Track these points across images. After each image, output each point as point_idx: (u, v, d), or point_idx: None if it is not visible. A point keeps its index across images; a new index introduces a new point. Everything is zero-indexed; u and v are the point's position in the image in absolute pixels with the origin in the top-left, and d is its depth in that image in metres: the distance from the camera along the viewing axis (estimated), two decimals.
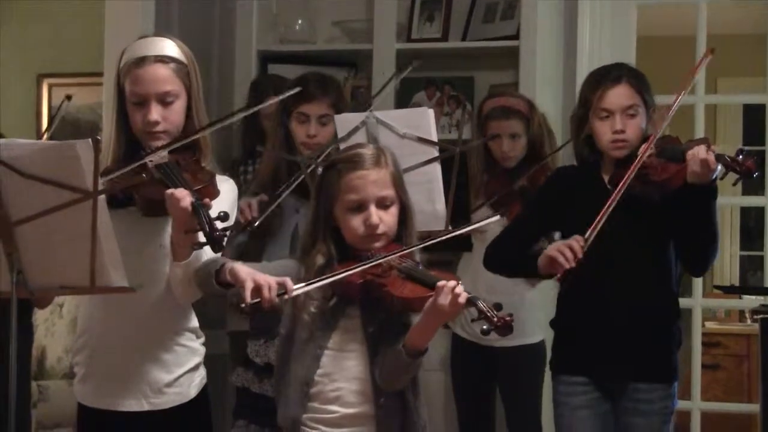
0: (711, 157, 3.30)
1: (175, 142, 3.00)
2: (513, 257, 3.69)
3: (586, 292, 3.51)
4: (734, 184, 3.41)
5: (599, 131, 3.53)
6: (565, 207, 3.60)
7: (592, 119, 3.54)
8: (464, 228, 3.03)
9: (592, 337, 3.53)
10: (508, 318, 2.65)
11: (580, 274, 3.36)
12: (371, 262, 2.82)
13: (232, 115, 3.04)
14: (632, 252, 3.47)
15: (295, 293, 2.78)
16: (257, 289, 2.73)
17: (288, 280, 2.77)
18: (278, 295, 2.75)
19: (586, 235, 3.37)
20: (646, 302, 3.51)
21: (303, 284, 2.81)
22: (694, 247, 3.52)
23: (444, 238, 2.93)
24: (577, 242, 3.37)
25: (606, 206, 3.37)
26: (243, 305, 2.74)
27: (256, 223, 3.73)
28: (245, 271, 2.81)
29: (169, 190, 2.84)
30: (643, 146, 3.43)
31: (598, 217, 3.37)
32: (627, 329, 3.49)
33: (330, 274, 2.84)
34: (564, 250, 3.37)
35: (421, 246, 2.92)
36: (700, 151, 3.31)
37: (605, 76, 3.56)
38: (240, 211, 3.76)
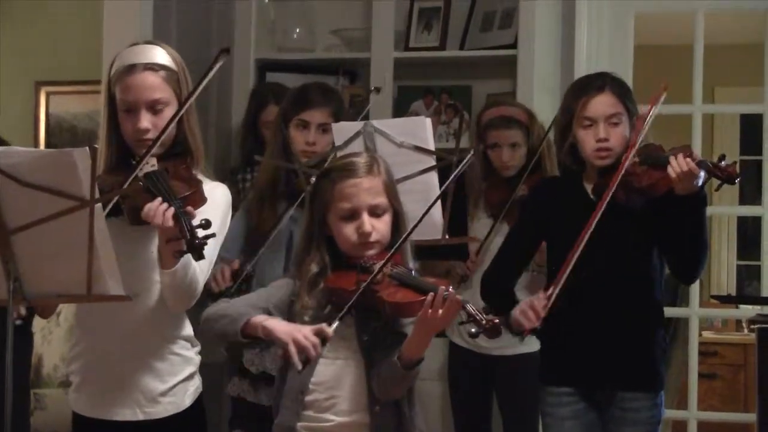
0: (692, 166, 3.31)
1: (154, 144, 2.99)
2: (500, 301, 3.65)
3: (570, 301, 3.52)
4: (716, 190, 3.43)
5: (583, 140, 3.53)
6: (550, 219, 3.59)
7: (576, 128, 3.54)
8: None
9: (577, 346, 3.53)
10: (496, 321, 2.67)
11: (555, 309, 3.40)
12: (370, 279, 2.84)
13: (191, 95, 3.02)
14: (616, 260, 3.48)
15: (332, 332, 2.81)
16: (302, 350, 2.77)
17: (324, 327, 2.80)
18: (322, 343, 2.80)
19: (549, 292, 3.41)
20: (630, 311, 3.51)
21: (336, 321, 2.82)
22: (685, 255, 3.52)
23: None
24: (539, 301, 3.40)
25: (582, 235, 3.38)
26: (299, 369, 2.81)
27: (231, 293, 3.76)
28: (282, 331, 2.84)
29: (147, 206, 2.85)
30: (624, 155, 3.44)
31: (570, 256, 3.39)
32: (611, 338, 3.49)
33: (352, 298, 2.84)
34: (527, 311, 3.41)
35: (400, 243, 2.93)
36: (681, 164, 3.31)
37: (588, 85, 3.57)
38: (213, 277, 3.78)
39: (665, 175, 3.35)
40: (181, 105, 3.05)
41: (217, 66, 2.99)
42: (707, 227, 3.50)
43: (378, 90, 4.34)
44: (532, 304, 3.41)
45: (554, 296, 3.39)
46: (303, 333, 2.79)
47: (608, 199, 3.38)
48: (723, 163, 3.33)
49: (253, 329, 2.88)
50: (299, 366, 2.78)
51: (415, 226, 2.92)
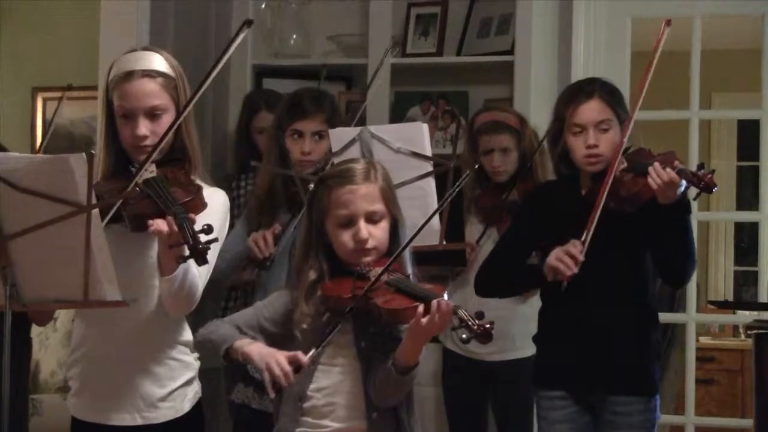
0: (672, 175, 3.32)
1: (154, 150, 2.98)
2: (509, 276, 3.69)
3: (564, 306, 3.53)
4: (694, 199, 3.44)
5: (573, 147, 3.55)
6: (546, 222, 3.60)
7: (566, 135, 3.56)
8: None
9: (569, 350, 3.55)
10: (488, 326, 2.66)
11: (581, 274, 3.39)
12: (365, 288, 2.84)
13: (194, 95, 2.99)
14: (609, 266, 3.50)
15: (307, 362, 2.81)
16: (274, 378, 2.78)
17: (299, 355, 2.81)
18: (295, 371, 2.80)
19: (583, 238, 3.40)
20: (623, 315, 3.53)
21: (313, 350, 2.83)
22: (671, 261, 3.54)
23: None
24: (575, 247, 3.40)
25: (595, 208, 3.40)
26: (272, 397, 2.86)
27: (274, 258, 3.74)
28: (258, 358, 2.84)
29: (150, 222, 2.84)
30: (612, 161, 3.45)
31: (591, 218, 3.40)
32: (603, 342, 3.51)
33: (333, 328, 2.85)
34: (563, 258, 3.40)
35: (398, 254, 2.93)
36: (660, 173, 3.33)
37: (577, 92, 3.59)
38: (255, 245, 3.76)
39: (648, 183, 3.37)
40: (194, 92, 3.01)
41: (240, 38, 2.96)
42: (691, 233, 3.52)
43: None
44: (567, 250, 3.41)
45: (587, 242, 3.39)
46: (277, 360, 2.80)
47: (604, 198, 3.40)
48: (701, 172, 3.34)
49: (235, 354, 2.90)
50: (271, 394, 2.81)
51: (413, 237, 2.92)
